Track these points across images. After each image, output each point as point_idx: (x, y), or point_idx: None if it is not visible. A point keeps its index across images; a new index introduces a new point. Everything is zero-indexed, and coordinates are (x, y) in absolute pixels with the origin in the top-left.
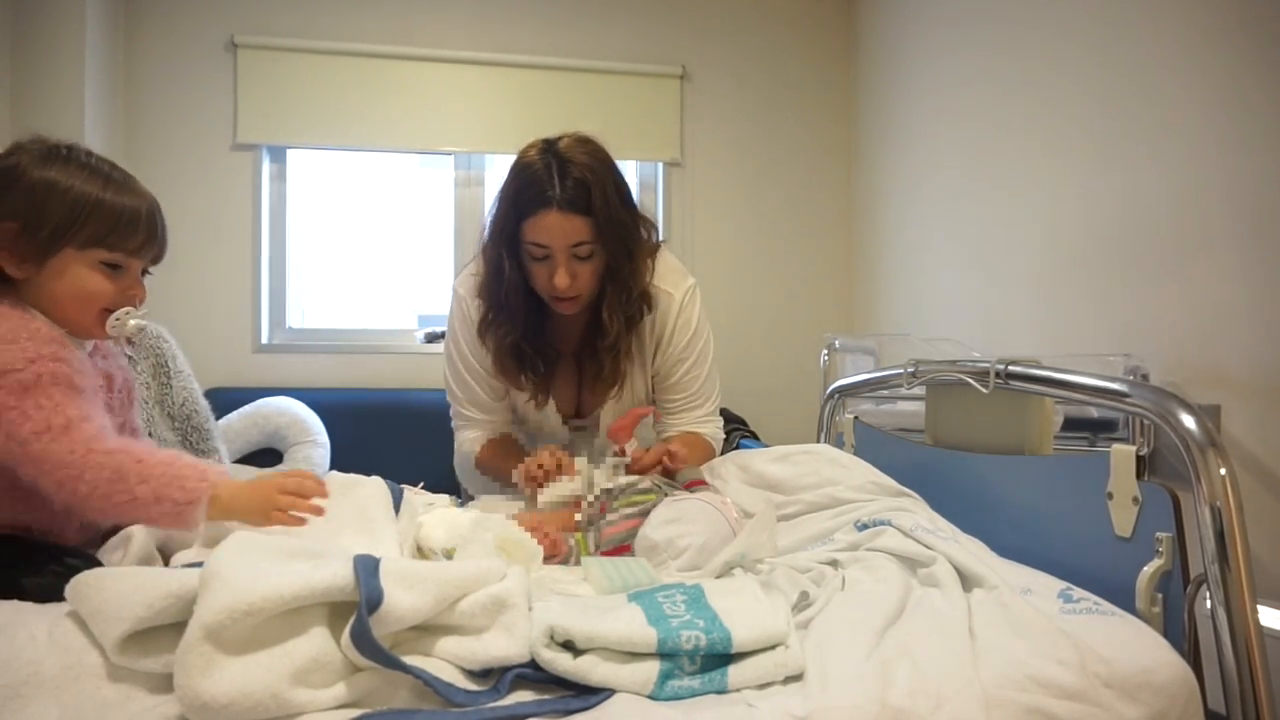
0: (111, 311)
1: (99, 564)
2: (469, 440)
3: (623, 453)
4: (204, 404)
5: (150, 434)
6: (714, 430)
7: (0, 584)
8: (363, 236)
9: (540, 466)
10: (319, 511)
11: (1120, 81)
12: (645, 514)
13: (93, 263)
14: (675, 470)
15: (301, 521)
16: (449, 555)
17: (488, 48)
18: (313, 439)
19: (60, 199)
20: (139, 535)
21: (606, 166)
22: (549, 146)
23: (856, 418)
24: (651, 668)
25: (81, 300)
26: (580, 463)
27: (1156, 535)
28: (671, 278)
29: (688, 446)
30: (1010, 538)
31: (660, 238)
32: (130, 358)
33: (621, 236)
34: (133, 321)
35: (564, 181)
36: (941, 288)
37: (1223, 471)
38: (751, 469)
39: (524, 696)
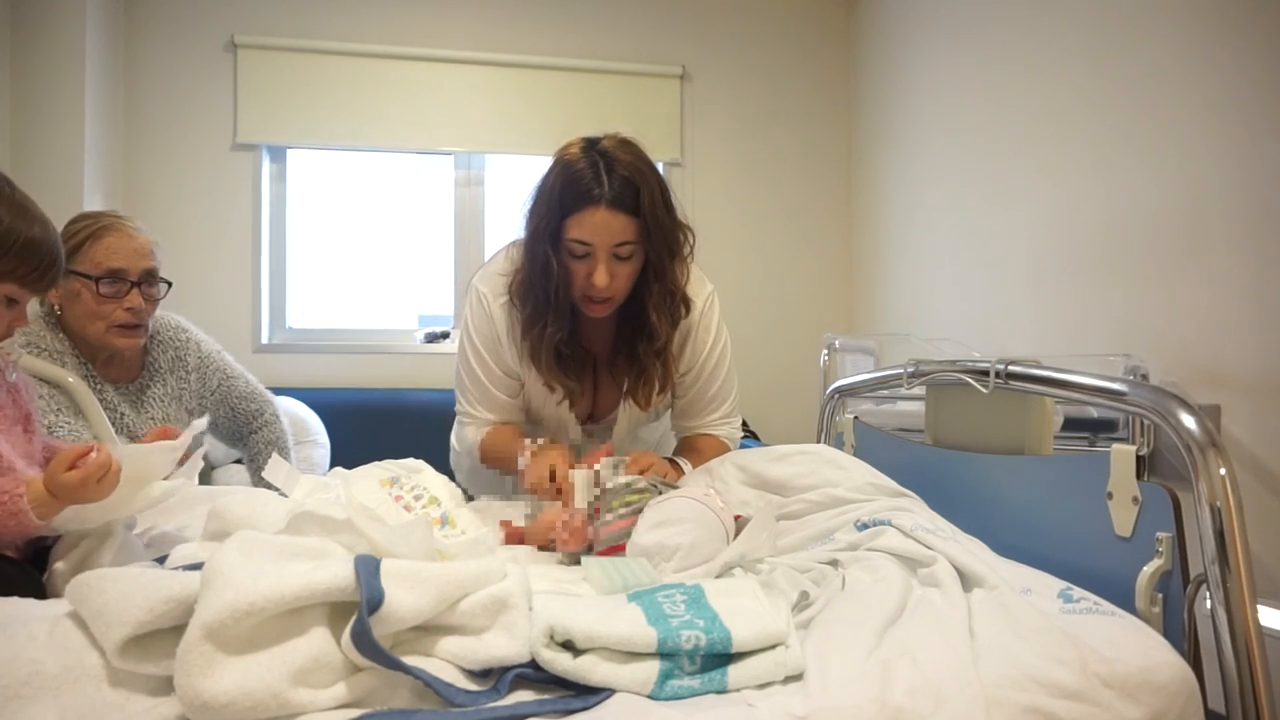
0: None
1: (27, 567)
2: (472, 435)
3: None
4: (235, 375)
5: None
6: (729, 431)
7: None
8: (363, 236)
9: (549, 477)
10: (108, 461)
11: (1120, 81)
12: (639, 512)
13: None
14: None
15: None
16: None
17: (488, 48)
18: (313, 439)
19: None
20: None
21: (651, 168)
22: (592, 145)
23: (856, 418)
24: (651, 667)
25: None
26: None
27: (1156, 535)
28: (694, 285)
29: (701, 452)
30: (1010, 538)
31: (694, 242)
32: (149, 351)
33: (665, 238)
34: (16, 351)
35: (611, 180)
36: (941, 288)
37: (1223, 471)
38: (750, 469)
39: (524, 696)
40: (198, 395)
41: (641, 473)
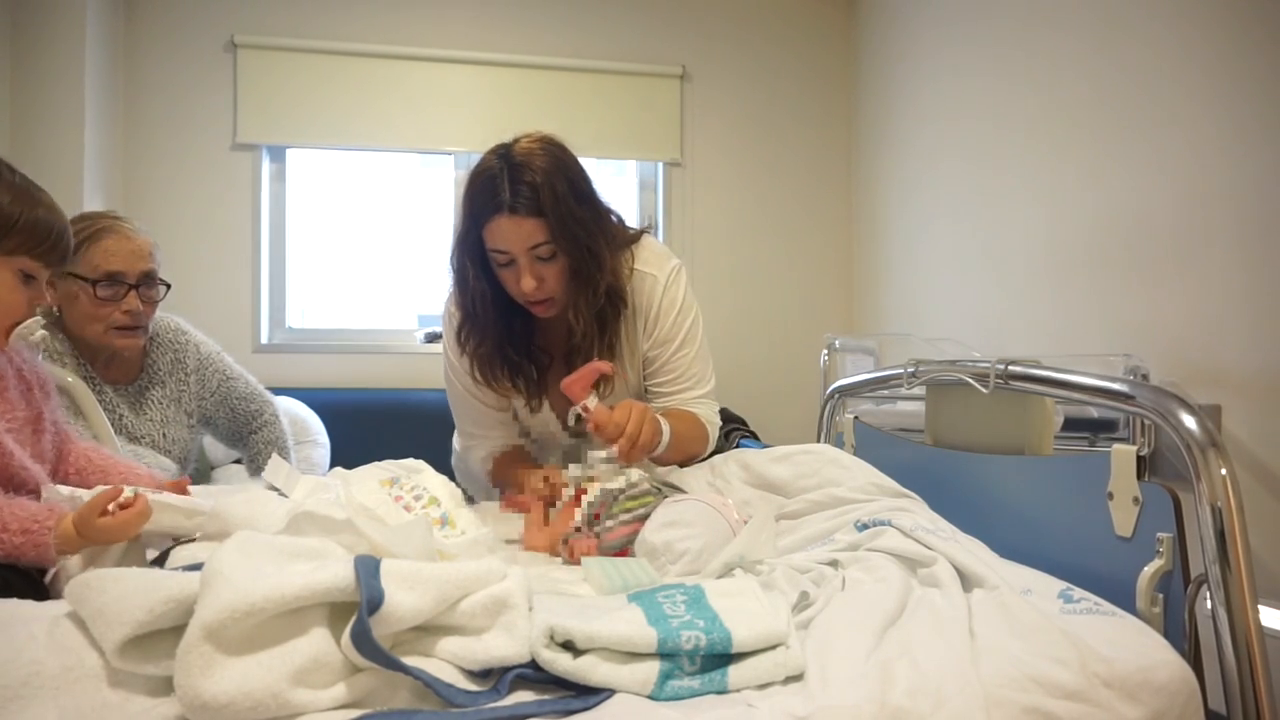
0: (18, 323)
1: (30, 575)
2: (478, 460)
3: (585, 410)
4: (233, 376)
5: (164, 434)
6: (708, 412)
7: None
8: (363, 236)
9: (546, 480)
10: (145, 510)
11: (1121, 82)
12: (644, 518)
13: (14, 270)
14: (651, 448)
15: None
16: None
17: (488, 48)
18: (313, 439)
19: None
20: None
21: (559, 165)
22: (504, 150)
23: (856, 418)
24: (651, 668)
25: None
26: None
27: (1157, 535)
28: (655, 261)
29: (675, 417)
30: (1010, 538)
31: (645, 225)
32: (148, 353)
33: (578, 235)
34: (39, 332)
35: (514, 185)
36: (942, 288)
37: (1223, 471)
38: (753, 469)
39: (524, 697)
40: (197, 397)
41: (610, 436)
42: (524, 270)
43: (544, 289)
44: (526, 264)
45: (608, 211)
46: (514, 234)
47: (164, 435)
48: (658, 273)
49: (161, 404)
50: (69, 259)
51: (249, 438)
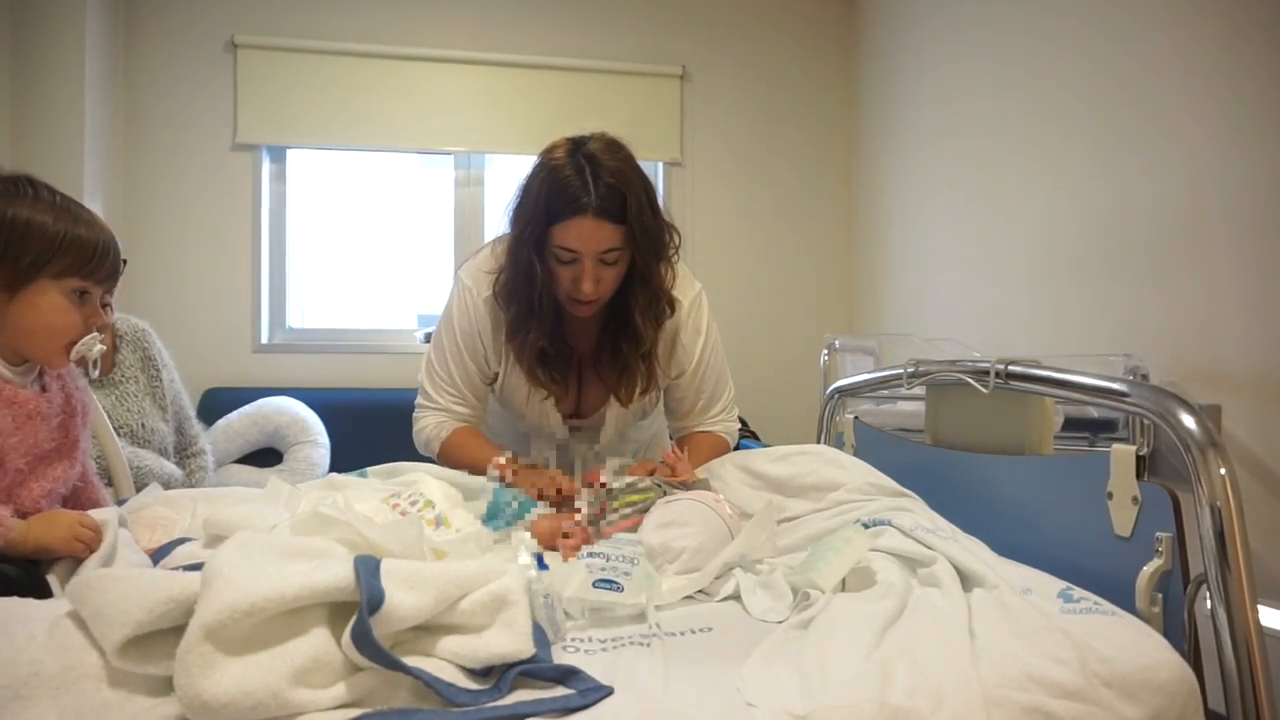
0: (75, 342)
1: (34, 572)
2: (433, 425)
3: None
4: (185, 395)
5: (143, 425)
6: (727, 426)
7: None
8: (363, 236)
9: (558, 491)
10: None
11: (1120, 82)
12: (644, 511)
13: (66, 291)
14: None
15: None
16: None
17: (488, 48)
18: (313, 439)
19: (39, 234)
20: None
21: (638, 171)
22: (578, 148)
23: (856, 418)
24: None
25: (51, 332)
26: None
27: (1156, 535)
28: (680, 284)
29: (696, 447)
30: (1010, 537)
31: (680, 242)
32: (118, 350)
33: (652, 243)
34: (97, 347)
35: (598, 187)
36: (941, 288)
37: (1223, 471)
38: (751, 469)
39: (524, 696)
40: (169, 393)
41: (649, 474)
42: (587, 272)
43: (598, 291)
44: (591, 265)
45: (669, 224)
46: (592, 236)
47: (143, 426)
48: (682, 297)
49: (137, 397)
50: (119, 274)
51: (185, 461)
